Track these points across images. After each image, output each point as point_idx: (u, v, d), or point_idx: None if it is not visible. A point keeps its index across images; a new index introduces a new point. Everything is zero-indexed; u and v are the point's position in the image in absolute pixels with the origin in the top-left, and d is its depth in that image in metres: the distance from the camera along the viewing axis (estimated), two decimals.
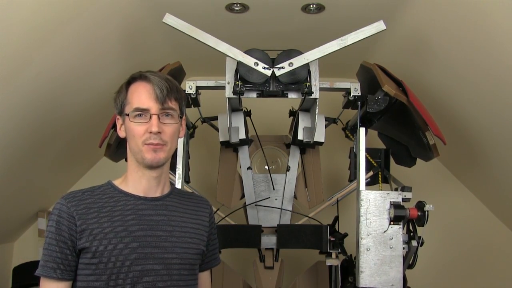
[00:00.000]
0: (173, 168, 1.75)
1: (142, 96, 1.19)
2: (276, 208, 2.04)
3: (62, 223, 1.14)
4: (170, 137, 1.20)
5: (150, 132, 1.16)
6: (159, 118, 1.18)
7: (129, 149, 1.23)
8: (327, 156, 2.45)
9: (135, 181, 1.23)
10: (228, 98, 1.73)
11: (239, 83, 1.68)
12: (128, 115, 1.19)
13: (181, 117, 1.25)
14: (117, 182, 1.25)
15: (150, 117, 1.17)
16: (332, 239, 1.90)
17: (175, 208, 1.27)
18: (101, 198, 1.20)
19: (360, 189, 1.72)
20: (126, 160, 1.28)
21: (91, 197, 1.19)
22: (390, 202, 1.68)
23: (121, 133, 1.25)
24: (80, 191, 1.21)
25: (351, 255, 1.92)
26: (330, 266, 1.94)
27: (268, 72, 1.64)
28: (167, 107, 1.19)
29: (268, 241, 2.00)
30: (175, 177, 1.78)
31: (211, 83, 1.83)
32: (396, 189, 1.75)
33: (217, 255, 1.42)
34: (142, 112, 1.18)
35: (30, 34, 1.57)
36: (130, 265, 1.15)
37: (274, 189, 2.05)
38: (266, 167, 2.11)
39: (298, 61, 1.63)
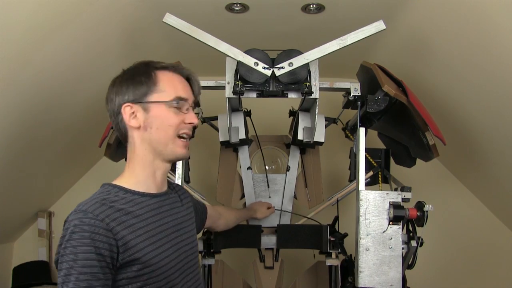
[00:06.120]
0: (173, 168, 1.75)
1: (179, 86, 1.16)
2: (276, 210, 2.05)
3: (99, 240, 0.97)
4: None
5: (188, 123, 1.15)
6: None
7: (147, 140, 1.14)
8: (327, 156, 2.45)
9: (148, 177, 1.15)
10: (228, 98, 1.73)
11: (239, 83, 1.68)
12: (154, 102, 1.12)
13: None
14: (122, 184, 1.13)
15: (187, 108, 1.15)
16: (332, 239, 1.90)
17: (177, 200, 1.27)
18: (121, 204, 1.06)
19: (359, 189, 1.72)
20: (126, 160, 1.27)
21: (111, 206, 1.04)
22: (390, 202, 1.68)
23: (135, 122, 1.13)
24: (97, 203, 1.02)
25: (351, 255, 1.92)
26: (330, 266, 1.94)
27: (268, 72, 1.64)
28: (196, 101, 1.19)
29: (268, 241, 2.00)
30: (175, 177, 1.78)
31: (211, 83, 1.82)
32: (395, 189, 1.75)
33: (203, 206, 1.55)
34: (181, 101, 1.14)
35: (30, 34, 1.57)
36: (172, 266, 1.11)
37: (268, 187, 2.05)
38: (266, 167, 2.12)
39: (298, 61, 1.63)
